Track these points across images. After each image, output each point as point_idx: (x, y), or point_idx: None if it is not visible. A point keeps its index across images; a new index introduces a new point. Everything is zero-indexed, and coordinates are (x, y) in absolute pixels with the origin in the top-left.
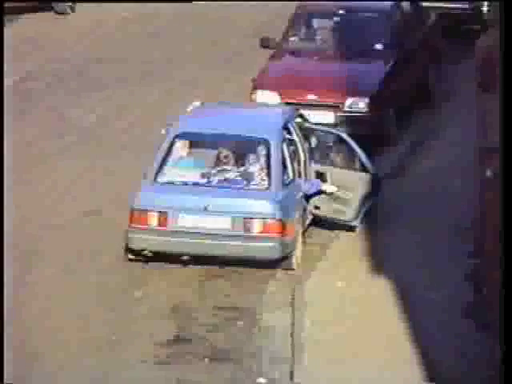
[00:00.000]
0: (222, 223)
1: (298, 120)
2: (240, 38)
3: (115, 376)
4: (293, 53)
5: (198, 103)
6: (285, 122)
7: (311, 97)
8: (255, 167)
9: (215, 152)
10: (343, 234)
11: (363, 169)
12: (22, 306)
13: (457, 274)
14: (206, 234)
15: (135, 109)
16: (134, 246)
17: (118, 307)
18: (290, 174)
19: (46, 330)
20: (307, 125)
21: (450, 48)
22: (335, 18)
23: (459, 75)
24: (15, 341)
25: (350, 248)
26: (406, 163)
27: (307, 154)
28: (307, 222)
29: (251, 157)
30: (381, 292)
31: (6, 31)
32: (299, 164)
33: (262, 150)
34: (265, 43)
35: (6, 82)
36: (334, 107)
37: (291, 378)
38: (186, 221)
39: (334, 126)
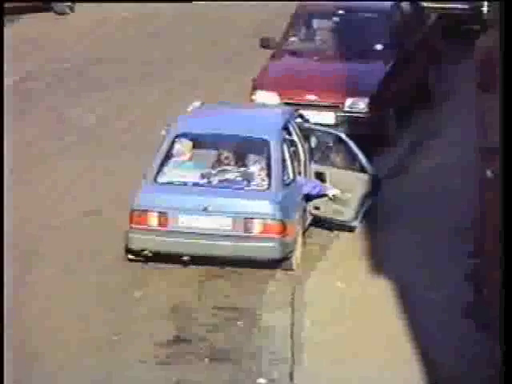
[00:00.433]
0: (222, 223)
1: (298, 120)
2: (240, 38)
3: (115, 376)
4: (293, 53)
5: (197, 103)
6: (285, 122)
7: (311, 97)
8: (255, 167)
9: (215, 152)
10: (343, 234)
11: (362, 169)
12: (22, 306)
13: (457, 274)
14: (206, 235)
15: (135, 109)
16: (134, 246)
17: (118, 307)
18: (290, 175)
19: (46, 329)
20: (307, 125)
21: (449, 48)
22: (335, 18)
23: (459, 75)
24: (15, 341)
25: (349, 248)
26: (406, 163)
27: (307, 155)
28: (307, 222)
29: (251, 157)
30: (381, 292)
31: (6, 31)
32: (299, 164)
33: (262, 151)
34: (265, 43)
35: (6, 81)
36: (334, 107)
37: (291, 378)
38: (186, 221)
39: (334, 126)
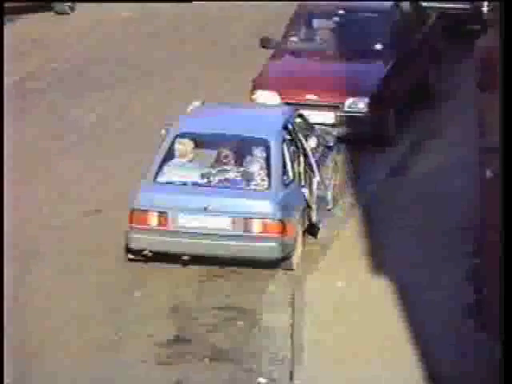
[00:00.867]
0: (222, 223)
1: (298, 120)
2: (240, 38)
3: (115, 376)
4: (293, 53)
5: (198, 103)
6: (285, 122)
7: (311, 97)
8: (255, 167)
9: (215, 152)
10: (343, 234)
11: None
12: (22, 306)
13: (457, 274)
14: (206, 234)
15: (135, 109)
16: (134, 245)
17: (118, 307)
18: (290, 174)
19: (46, 329)
20: (307, 125)
21: (450, 48)
22: (335, 18)
23: (459, 75)
24: (15, 341)
25: (349, 248)
26: (406, 163)
27: (307, 154)
28: (307, 222)
29: (251, 157)
30: (381, 292)
31: (6, 31)
32: (299, 164)
33: (261, 150)
34: (265, 43)
35: (7, 81)
36: (334, 107)
37: (291, 378)
38: (186, 221)
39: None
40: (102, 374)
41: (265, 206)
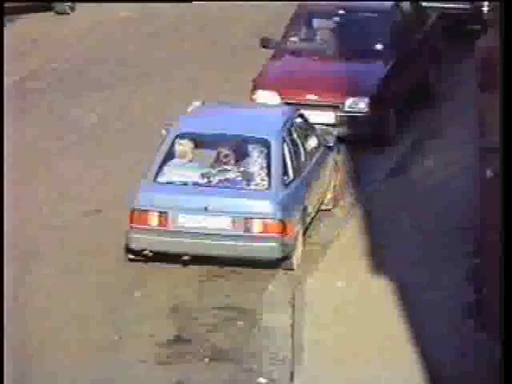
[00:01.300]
0: (223, 223)
1: (298, 120)
2: (240, 38)
3: (115, 376)
4: (293, 53)
5: (198, 103)
6: (285, 121)
7: (311, 97)
8: (255, 167)
9: (215, 152)
10: (343, 234)
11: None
12: (22, 306)
13: (457, 274)
14: (206, 234)
15: (135, 109)
16: (134, 245)
17: (118, 307)
18: (291, 174)
19: (46, 329)
20: (307, 125)
21: (450, 48)
22: (335, 18)
23: (459, 75)
24: (15, 341)
25: (349, 248)
26: (406, 163)
27: (307, 154)
28: (307, 221)
29: (251, 157)
30: (381, 292)
31: (6, 31)
32: (299, 164)
33: (262, 150)
34: (265, 43)
35: (7, 81)
36: (334, 107)
37: (291, 378)
38: (187, 221)
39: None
40: (102, 374)
41: (265, 206)
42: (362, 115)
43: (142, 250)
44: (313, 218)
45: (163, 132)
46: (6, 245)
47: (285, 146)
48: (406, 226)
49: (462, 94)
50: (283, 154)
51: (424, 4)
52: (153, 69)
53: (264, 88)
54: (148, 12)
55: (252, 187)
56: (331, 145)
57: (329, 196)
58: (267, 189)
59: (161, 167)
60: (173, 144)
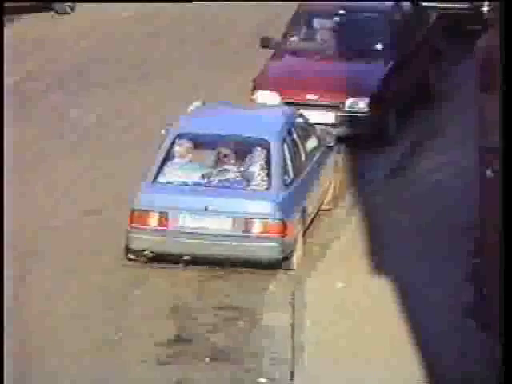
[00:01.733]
0: (223, 224)
1: (298, 120)
2: (240, 38)
3: (115, 376)
4: (293, 53)
5: (198, 103)
6: (285, 122)
7: (311, 97)
8: (255, 167)
9: (216, 152)
10: (343, 234)
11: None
12: (22, 306)
13: (457, 274)
14: (207, 235)
15: (135, 109)
16: (135, 246)
17: (118, 307)
18: (291, 175)
19: (46, 329)
20: (307, 125)
21: (450, 48)
22: (335, 18)
23: (459, 75)
24: (15, 341)
25: (349, 248)
26: (406, 163)
27: (307, 155)
28: (307, 222)
29: (251, 157)
30: (381, 292)
31: (6, 31)
32: (299, 164)
33: (262, 150)
34: (265, 43)
35: (6, 81)
36: (334, 107)
37: (291, 378)
38: (187, 221)
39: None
40: (102, 374)
41: (265, 207)
42: (362, 115)
43: (143, 250)
44: (313, 219)
45: (163, 132)
46: (6, 245)
47: (285, 146)
48: (405, 226)
49: (462, 94)
50: (283, 155)
51: (424, 4)
52: (153, 69)
53: (264, 88)
54: (148, 12)
55: (252, 187)
56: (331, 145)
57: (329, 196)
58: (267, 189)
59: (161, 167)
60: (173, 144)
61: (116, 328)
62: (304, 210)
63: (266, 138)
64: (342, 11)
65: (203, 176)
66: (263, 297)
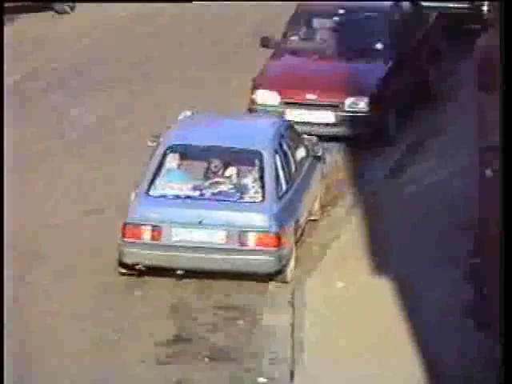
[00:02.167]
0: (217, 237)
1: (288, 130)
2: (240, 38)
3: (115, 376)
4: (293, 52)
5: (188, 113)
6: (276, 132)
7: (311, 96)
8: (248, 179)
9: (207, 164)
10: (343, 234)
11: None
12: (22, 306)
13: (456, 274)
14: (200, 248)
15: (135, 109)
16: (127, 260)
17: (118, 307)
18: (283, 186)
19: (46, 329)
20: (296, 135)
21: (450, 47)
22: (335, 18)
23: (459, 75)
24: (15, 341)
25: (350, 248)
26: (406, 163)
27: (297, 165)
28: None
29: (244, 169)
30: (381, 292)
31: (6, 30)
32: (291, 175)
33: (255, 162)
34: (265, 43)
35: (6, 81)
36: (334, 107)
37: (291, 377)
38: (180, 234)
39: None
40: (102, 374)
41: (260, 219)
42: (362, 115)
43: (135, 264)
44: (303, 230)
45: (149, 143)
46: (6, 245)
47: (277, 157)
48: (405, 226)
49: (462, 94)
50: (276, 166)
51: (424, 4)
52: (152, 69)
53: (264, 87)
54: (148, 12)
55: (246, 200)
56: (319, 154)
57: (316, 206)
58: (261, 201)
59: (153, 180)
60: (164, 156)
61: (116, 328)
62: (297, 221)
63: (259, 149)
64: (341, 11)
65: (195, 188)
66: (263, 297)
